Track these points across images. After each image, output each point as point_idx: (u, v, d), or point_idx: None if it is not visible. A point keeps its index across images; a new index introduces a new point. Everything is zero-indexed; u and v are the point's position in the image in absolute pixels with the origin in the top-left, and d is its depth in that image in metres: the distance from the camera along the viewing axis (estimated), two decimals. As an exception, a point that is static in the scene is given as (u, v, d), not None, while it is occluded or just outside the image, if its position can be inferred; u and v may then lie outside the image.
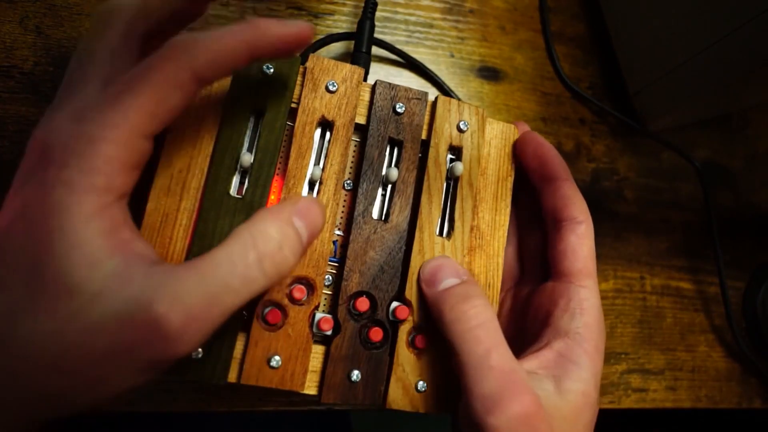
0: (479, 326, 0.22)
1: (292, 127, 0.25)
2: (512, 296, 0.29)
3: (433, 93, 0.35)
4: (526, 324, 0.27)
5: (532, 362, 0.24)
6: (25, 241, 0.17)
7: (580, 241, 0.26)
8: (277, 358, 0.23)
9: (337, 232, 0.26)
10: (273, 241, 0.19)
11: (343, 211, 0.26)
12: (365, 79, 0.29)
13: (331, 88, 0.26)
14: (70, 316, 0.17)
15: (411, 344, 0.25)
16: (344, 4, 0.37)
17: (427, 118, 0.27)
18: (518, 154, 0.28)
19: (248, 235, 0.19)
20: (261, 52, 0.20)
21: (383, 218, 0.26)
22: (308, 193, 0.26)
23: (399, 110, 0.27)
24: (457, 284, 0.24)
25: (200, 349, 0.22)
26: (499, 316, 0.28)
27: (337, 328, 0.25)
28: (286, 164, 0.25)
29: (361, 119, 0.27)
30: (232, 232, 0.19)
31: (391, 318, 0.25)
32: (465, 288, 0.24)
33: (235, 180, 0.25)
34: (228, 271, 0.18)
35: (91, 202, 0.17)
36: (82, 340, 0.17)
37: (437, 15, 0.40)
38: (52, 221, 0.17)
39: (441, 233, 0.27)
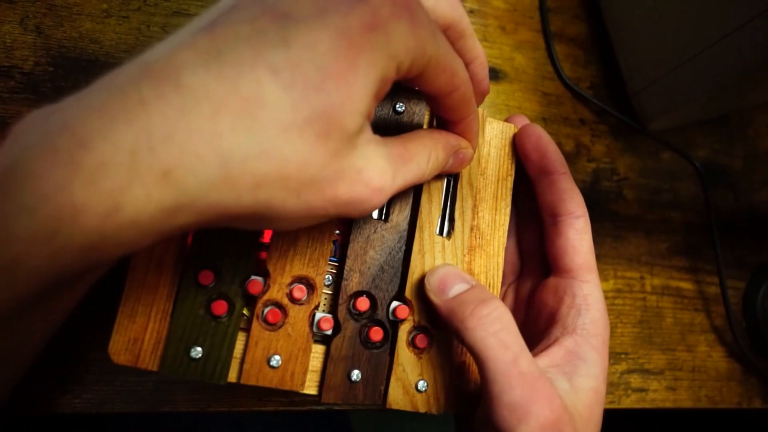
0: (503, 330, 0.22)
1: None
2: (514, 291, 0.29)
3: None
4: (531, 320, 0.27)
5: (543, 360, 0.23)
6: None
7: (579, 237, 0.26)
8: (277, 357, 0.23)
9: (337, 232, 0.26)
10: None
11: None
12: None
13: None
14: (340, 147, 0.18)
15: (411, 344, 0.25)
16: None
17: (427, 117, 0.27)
18: (518, 147, 0.28)
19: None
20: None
21: (383, 217, 0.26)
22: None
23: (399, 109, 0.27)
24: (467, 289, 0.24)
25: (200, 349, 0.22)
26: None
27: (337, 327, 0.25)
28: None
29: None
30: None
31: (391, 318, 0.25)
32: (478, 292, 0.23)
33: None
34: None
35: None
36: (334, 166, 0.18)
37: (437, 15, 0.39)
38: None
39: (441, 233, 0.27)
